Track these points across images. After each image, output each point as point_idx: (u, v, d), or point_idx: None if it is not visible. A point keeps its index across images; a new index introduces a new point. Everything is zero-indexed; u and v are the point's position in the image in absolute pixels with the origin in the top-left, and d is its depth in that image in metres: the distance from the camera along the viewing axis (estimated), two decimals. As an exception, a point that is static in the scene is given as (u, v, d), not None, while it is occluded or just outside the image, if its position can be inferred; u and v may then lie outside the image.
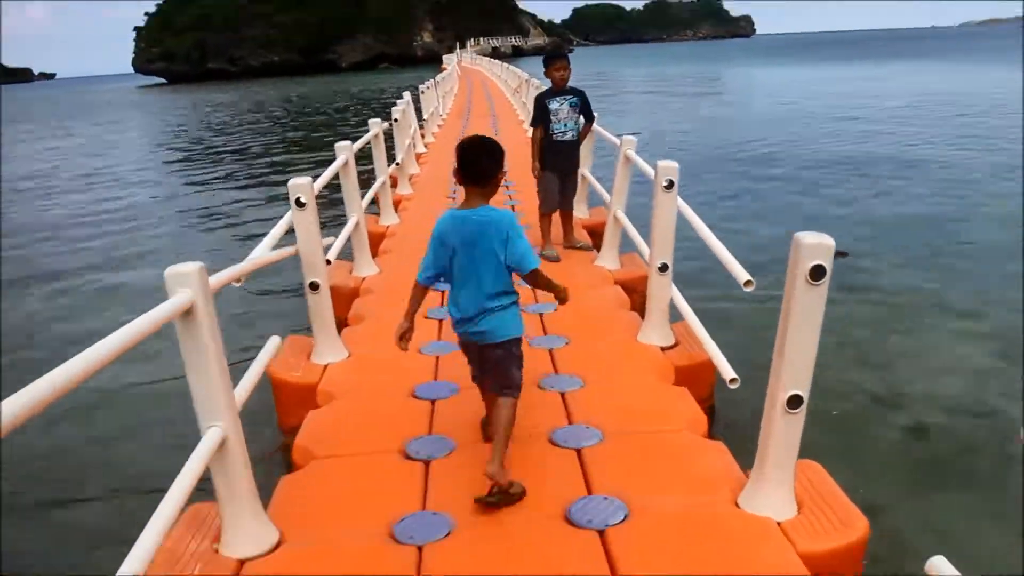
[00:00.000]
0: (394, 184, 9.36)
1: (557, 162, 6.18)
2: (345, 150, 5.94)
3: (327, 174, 5.40)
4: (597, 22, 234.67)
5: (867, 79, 41.23)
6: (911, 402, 4.89)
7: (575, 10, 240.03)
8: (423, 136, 14.83)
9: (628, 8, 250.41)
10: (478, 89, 31.30)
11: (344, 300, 5.51)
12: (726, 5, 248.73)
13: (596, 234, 6.88)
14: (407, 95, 12.11)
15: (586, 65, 76.12)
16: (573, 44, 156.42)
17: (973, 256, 8.29)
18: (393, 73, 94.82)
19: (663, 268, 4.48)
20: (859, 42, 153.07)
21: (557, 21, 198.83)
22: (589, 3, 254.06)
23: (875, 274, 7.71)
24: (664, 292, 4.51)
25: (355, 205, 6.14)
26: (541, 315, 4.95)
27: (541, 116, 6.13)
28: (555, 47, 8.87)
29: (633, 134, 6.02)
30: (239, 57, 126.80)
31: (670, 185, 4.31)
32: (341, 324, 4.92)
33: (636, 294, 5.38)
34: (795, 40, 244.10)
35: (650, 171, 4.49)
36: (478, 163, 2.88)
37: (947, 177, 12.84)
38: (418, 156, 12.59)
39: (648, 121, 24.37)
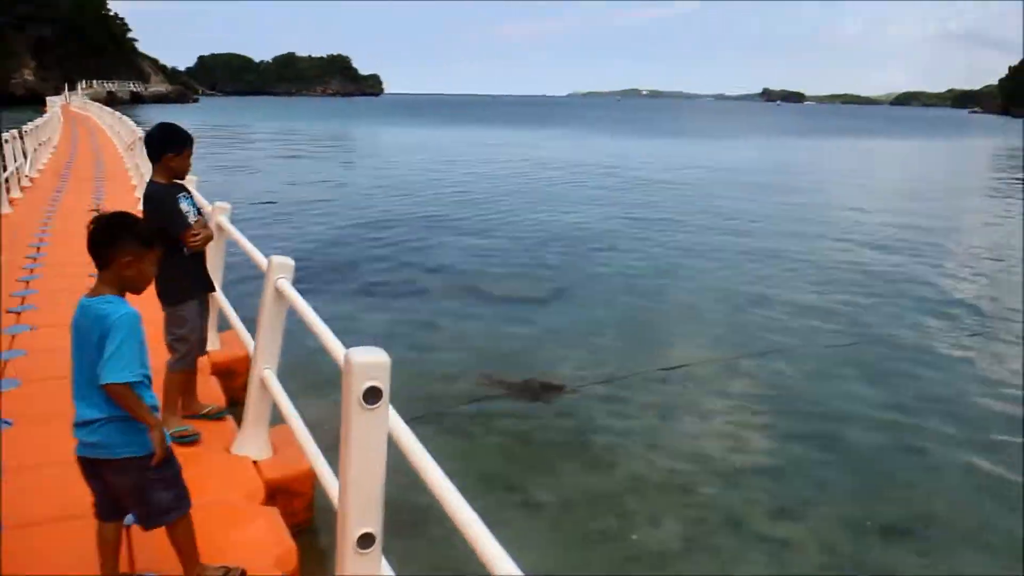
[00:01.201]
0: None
1: (197, 285, 4.23)
2: None
3: None
4: (224, 72, 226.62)
5: (478, 143, 45.35)
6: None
7: (200, 58, 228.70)
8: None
9: (257, 60, 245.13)
10: (84, 141, 27.37)
11: None
12: (355, 64, 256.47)
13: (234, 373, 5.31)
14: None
15: (213, 116, 72.66)
16: (199, 93, 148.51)
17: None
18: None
19: (267, 371, 3.89)
20: (467, 105, 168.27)
21: (181, 68, 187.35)
22: (216, 52, 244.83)
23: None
24: (264, 401, 3.95)
25: None
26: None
27: (182, 222, 4.06)
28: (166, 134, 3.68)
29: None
30: None
31: (283, 280, 3.72)
32: None
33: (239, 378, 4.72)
34: (422, 100, 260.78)
35: (261, 259, 3.91)
36: (92, 239, 2.51)
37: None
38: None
39: (275, 182, 23.36)
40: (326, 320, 3.05)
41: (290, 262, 3.78)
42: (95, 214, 2.61)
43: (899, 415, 6.44)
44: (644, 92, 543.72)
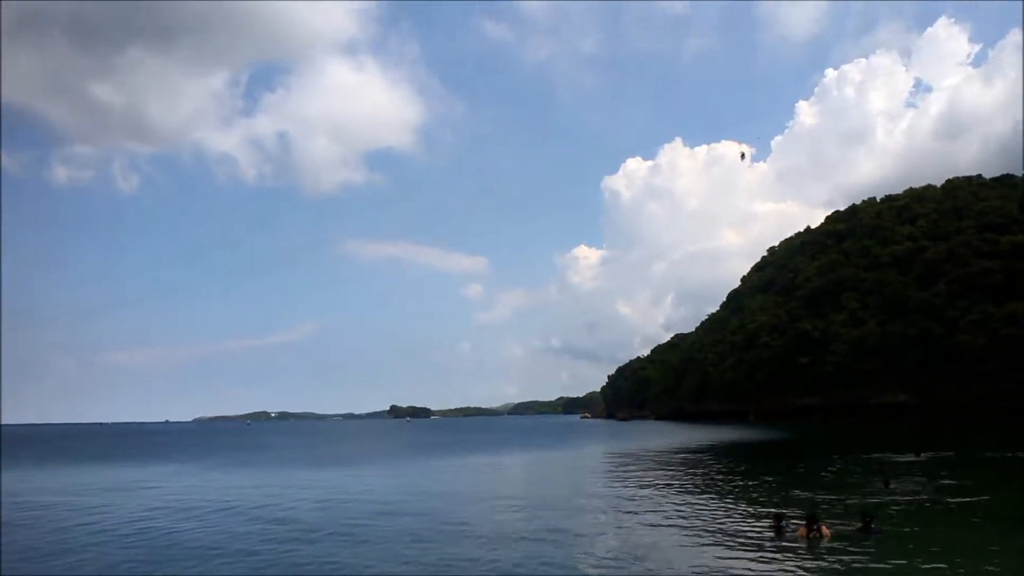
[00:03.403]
0: None
1: None
2: None
3: None
4: None
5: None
6: None
7: None
8: None
9: None
10: None
11: None
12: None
13: None
14: None
15: None
16: None
17: None
18: None
19: None
20: (75, 437, 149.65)
21: None
22: None
23: None
24: None
25: None
26: None
27: None
28: None
29: None
30: None
31: None
32: None
33: None
34: (19, 431, 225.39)
35: None
36: None
37: None
38: None
39: None
40: None
41: None
42: None
43: None
44: (273, 414, 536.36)
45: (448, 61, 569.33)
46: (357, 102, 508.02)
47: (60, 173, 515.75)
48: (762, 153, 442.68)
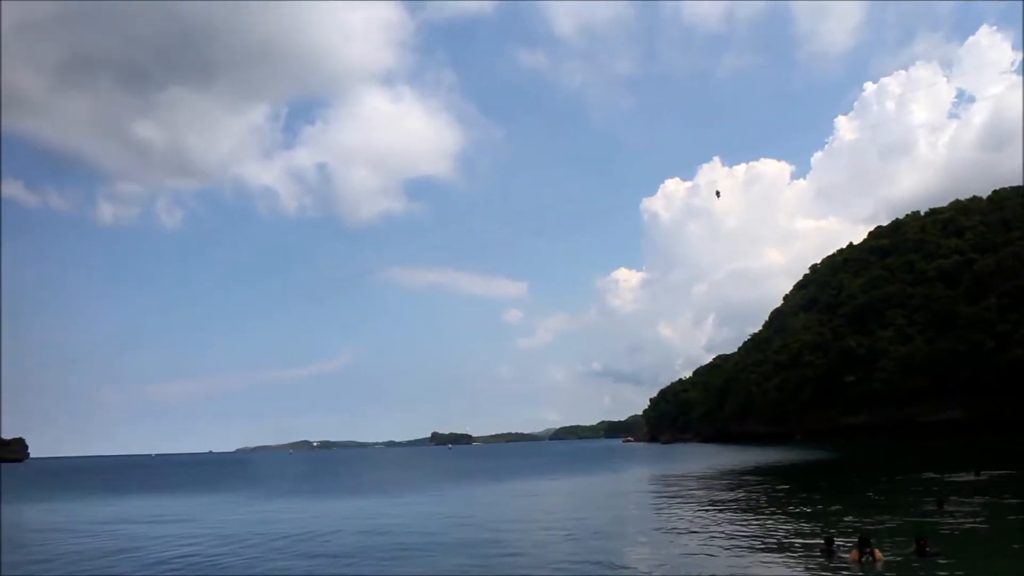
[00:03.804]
0: None
1: None
2: None
3: None
4: None
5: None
6: None
7: None
8: None
9: None
10: None
11: None
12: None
13: None
14: None
15: None
16: None
17: None
18: None
19: None
20: (125, 468, 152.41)
21: None
22: None
23: None
24: None
25: None
26: None
27: None
28: None
29: None
30: None
31: None
32: None
33: None
34: (74, 463, 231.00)
35: None
36: None
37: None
38: None
39: None
40: None
41: None
42: None
43: None
44: (315, 444, 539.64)
45: (484, 88, 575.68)
46: (395, 131, 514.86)
47: (106, 211, 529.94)
48: (802, 170, 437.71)
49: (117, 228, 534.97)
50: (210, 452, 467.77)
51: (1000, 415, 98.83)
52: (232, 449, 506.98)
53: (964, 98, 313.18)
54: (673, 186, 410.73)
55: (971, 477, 40.07)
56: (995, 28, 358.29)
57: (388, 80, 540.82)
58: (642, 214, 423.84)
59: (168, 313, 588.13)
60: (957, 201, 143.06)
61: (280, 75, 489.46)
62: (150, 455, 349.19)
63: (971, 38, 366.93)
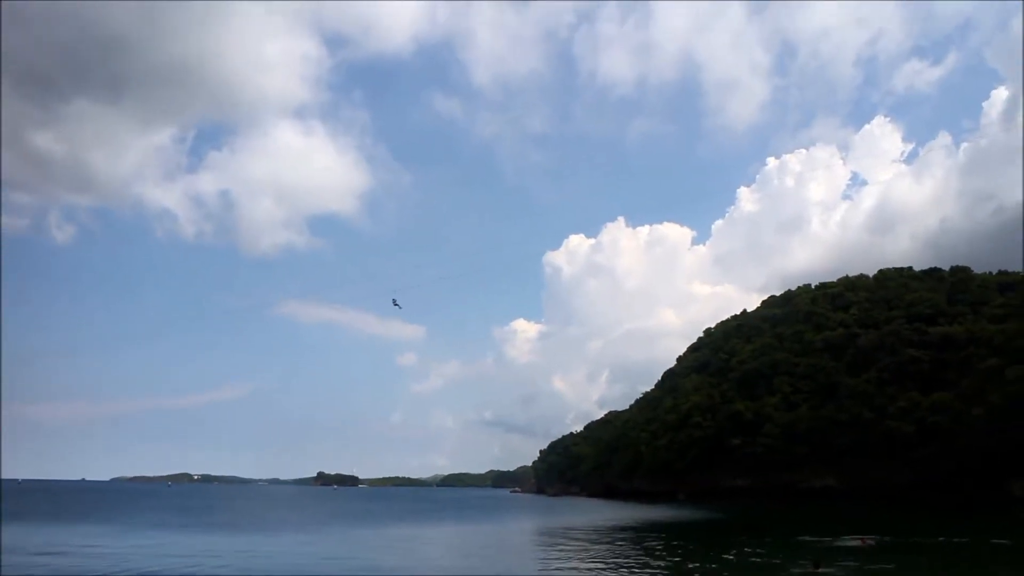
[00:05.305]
0: None
1: None
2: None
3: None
4: None
5: None
6: None
7: None
8: None
9: None
10: None
11: None
12: None
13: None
14: None
15: None
16: None
17: None
18: None
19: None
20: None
21: None
22: None
23: None
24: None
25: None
26: None
27: None
28: None
29: None
30: None
31: None
32: None
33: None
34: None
35: None
36: None
37: None
38: None
39: None
40: None
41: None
42: None
43: None
44: (196, 476, 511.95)
45: (397, 130, 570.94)
46: (303, 165, 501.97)
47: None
48: (703, 236, 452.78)
49: (5, 238, 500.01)
50: (83, 480, 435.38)
51: (874, 484, 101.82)
52: (107, 478, 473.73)
53: (857, 181, 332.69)
54: (577, 242, 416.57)
55: (856, 543, 39.64)
56: (888, 119, 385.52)
57: (300, 114, 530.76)
58: (545, 267, 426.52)
59: (50, 330, 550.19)
60: (846, 277, 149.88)
61: (192, 97, 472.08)
62: (17, 480, 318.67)
63: (867, 126, 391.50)
